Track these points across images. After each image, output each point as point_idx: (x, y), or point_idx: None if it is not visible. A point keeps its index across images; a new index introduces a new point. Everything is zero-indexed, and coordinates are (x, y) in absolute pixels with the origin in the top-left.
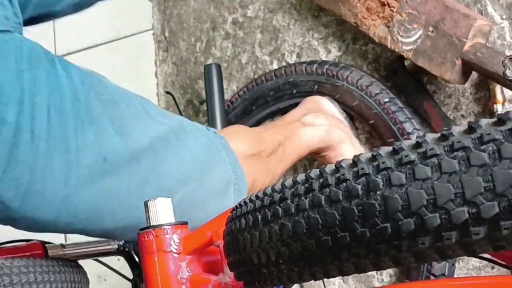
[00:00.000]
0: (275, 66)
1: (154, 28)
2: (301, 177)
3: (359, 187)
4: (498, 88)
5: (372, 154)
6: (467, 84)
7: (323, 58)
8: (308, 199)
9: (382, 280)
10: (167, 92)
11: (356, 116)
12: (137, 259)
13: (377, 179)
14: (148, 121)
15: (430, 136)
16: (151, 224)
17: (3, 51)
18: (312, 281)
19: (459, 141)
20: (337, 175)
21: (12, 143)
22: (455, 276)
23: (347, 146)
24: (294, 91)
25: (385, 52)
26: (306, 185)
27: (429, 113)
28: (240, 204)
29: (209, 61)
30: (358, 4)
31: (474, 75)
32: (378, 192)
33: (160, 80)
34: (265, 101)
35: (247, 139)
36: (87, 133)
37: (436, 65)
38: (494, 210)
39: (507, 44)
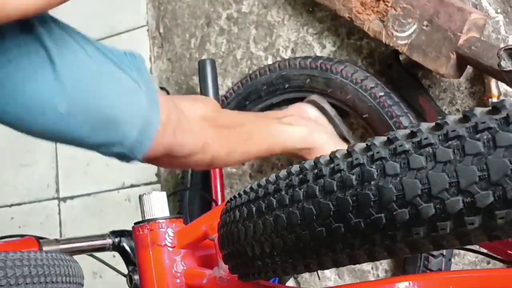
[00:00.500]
0: (270, 61)
1: (149, 24)
2: (295, 168)
3: (354, 177)
4: (493, 82)
5: (367, 144)
6: (462, 78)
7: (318, 53)
8: (302, 190)
9: (378, 275)
10: (162, 88)
11: (350, 110)
12: (132, 255)
13: (372, 169)
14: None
15: (425, 126)
16: (146, 218)
17: None
18: (308, 276)
19: (454, 130)
20: (332, 165)
21: None
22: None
23: (331, 148)
24: (287, 86)
25: (380, 46)
26: (301, 176)
27: (424, 107)
28: (234, 196)
29: (204, 57)
30: None
31: (469, 69)
32: (372, 182)
33: (155, 76)
34: (259, 96)
35: (208, 104)
36: None
37: (431, 60)
38: (489, 199)
39: (501, 37)
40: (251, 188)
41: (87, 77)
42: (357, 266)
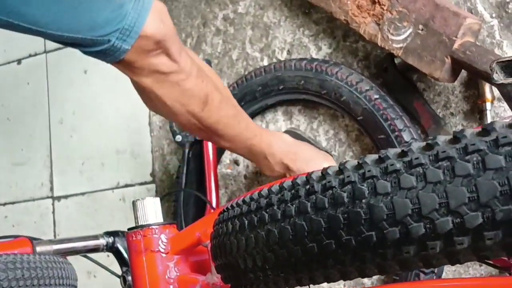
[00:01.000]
0: (265, 62)
1: None
2: (287, 183)
3: (345, 194)
4: (487, 87)
5: (358, 162)
6: (456, 82)
7: (314, 55)
8: (294, 205)
9: (373, 283)
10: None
11: (344, 112)
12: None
13: (363, 187)
14: None
15: (416, 145)
16: (139, 224)
17: None
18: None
19: (444, 151)
20: (323, 182)
21: None
22: (444, 273)
23: (316, 156)
24: (281, 87)
25: (376, 49)
26: (293, 191)
27: (419, 110)
28: (227, 208)
29: (200, 57)
30: (348, 2)
31: (463, 73)
32: (363, 200)
33: None
34: (253, 97)
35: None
36: None
37: (426, 63)
38: (478, 220)
39: (496, 42)
40: (244, 201)
41: None
42: None
